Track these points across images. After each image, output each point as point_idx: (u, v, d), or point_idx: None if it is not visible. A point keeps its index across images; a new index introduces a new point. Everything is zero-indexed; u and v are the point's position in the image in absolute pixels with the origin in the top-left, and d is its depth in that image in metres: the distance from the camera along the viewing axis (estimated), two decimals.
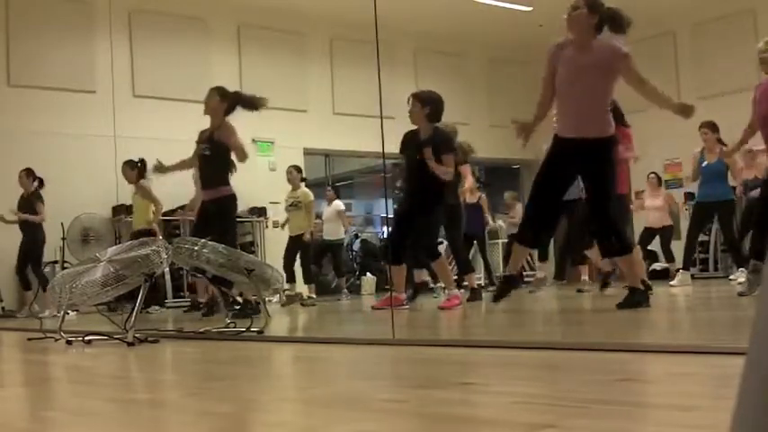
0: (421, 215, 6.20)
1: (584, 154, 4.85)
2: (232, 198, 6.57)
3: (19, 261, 9.53)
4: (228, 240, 5.89)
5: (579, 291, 7.72)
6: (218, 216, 6.40)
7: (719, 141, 7.93)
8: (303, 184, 9.66)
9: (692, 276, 9.21)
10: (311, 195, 9.57)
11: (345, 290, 10.76)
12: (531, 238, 5.18)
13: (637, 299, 4.85)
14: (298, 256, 9.49)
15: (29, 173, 9.42)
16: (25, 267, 9.50)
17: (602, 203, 4.96)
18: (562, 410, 1.61)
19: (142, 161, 8.85)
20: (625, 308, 4.73)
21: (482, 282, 10.37)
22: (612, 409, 1.62)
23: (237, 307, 6.26)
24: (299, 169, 9.78)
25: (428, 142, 6.11)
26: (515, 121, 5.12)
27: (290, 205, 9.51)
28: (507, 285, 5.41)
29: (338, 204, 10.73)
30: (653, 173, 10.65)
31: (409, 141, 6.26)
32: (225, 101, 6.48)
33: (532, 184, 5.14)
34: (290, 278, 9.24)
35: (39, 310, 8.19)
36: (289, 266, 9.31)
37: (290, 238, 9.51)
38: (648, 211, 10.33)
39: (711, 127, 7.97)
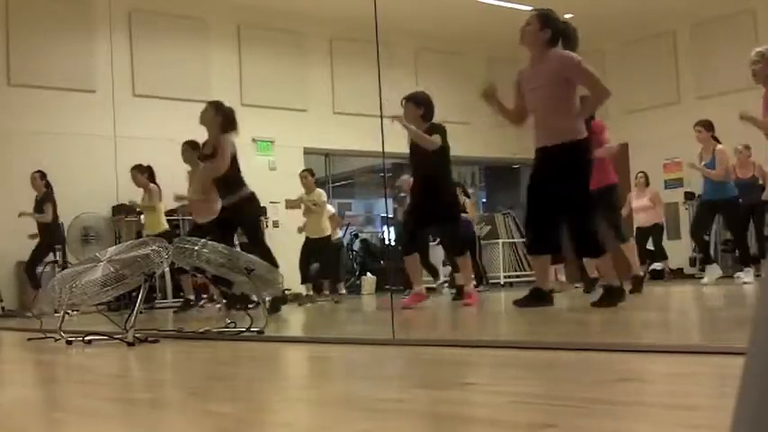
0: (444, 221, 6.41)
1: (552, 160, 4.98)
2: (252, 198, 6.65)
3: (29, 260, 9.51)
4: (260, 237, 6.62)
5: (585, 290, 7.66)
6: (241, 220, 6.56)
7: (714, 139, 7.90)
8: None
9: (693, 276, 9.20)
10: (324, 195, 9.66)
11: (344, 289, 10.77)
12: (538, 246, 5.26)
13: (611, 297, 4.89)
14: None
15: (42, 175, 9.41)
16: (34, 267, 9.45)
17: (574, 206, 5.00)
18: (562, 410, 1.61)
19: (149, 167, 8.94)
20: (599, 306, 4.82)
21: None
22: (612, 409, 1.63)
23: (225, 300, 6.38)
24: (312, 173, 9.79)
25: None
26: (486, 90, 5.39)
27: (308, 210, 9.45)
28: (534, 301, 5.17)
29: (329, 209, 10.74)
30: (641, 173, 10.60)
31: (413, 149, 6.38)
32: (219, 114, 6.52)
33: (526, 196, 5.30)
34: (305, 279, 9.26)
35: (42, 309, 8.16)
36: (304, 267, 9.30)
37: (308, 239, 9.47)
38: (637, 212, 10.31)
39: (705, 125, 7.94)
